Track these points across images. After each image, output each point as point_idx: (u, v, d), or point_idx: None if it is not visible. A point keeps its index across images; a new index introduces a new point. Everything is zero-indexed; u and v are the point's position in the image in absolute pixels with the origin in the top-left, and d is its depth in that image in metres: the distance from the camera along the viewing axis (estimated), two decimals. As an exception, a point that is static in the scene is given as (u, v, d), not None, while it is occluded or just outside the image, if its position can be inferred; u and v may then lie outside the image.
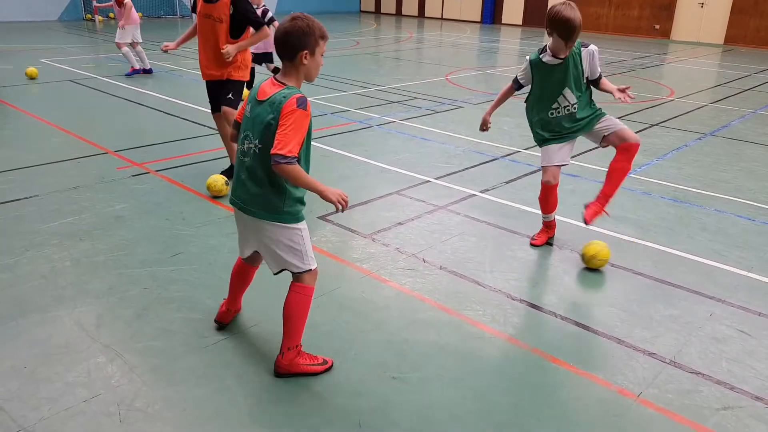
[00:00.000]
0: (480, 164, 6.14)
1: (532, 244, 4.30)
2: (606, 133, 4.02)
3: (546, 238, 4.36)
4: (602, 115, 4.05)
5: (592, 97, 4.06)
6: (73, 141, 6.58)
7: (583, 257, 3.95)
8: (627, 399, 2.72)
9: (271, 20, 7.93)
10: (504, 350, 3.07)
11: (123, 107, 8.36)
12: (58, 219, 4.47)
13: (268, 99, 2.48)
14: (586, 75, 3.94)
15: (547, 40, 3.91)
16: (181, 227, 4.40)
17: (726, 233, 4.56)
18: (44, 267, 3.75)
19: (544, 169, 4.18)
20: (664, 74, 13.28)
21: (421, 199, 5.11)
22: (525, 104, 4.23)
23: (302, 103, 2.43)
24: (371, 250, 4.13)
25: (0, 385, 2.67)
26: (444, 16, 27.65)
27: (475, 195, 5.24)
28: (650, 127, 7.99)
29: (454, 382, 2.80)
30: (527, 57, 4.04)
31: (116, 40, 10.53)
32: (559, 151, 4.11)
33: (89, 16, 21.85)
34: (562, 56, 3.84)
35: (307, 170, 2.57)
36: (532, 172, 5.90)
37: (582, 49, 3.89)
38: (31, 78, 9.47)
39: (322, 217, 4.61)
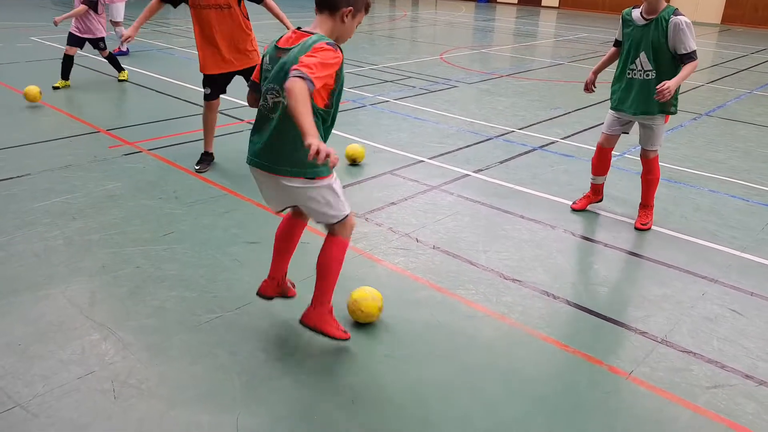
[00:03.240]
0: (474, 144, 6.12)
1: (572, 209, 4.46)
2: (640, 142, 4.17)
3: (587, 203, 4.51)
4: (661, 113, 3.99)
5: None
6: (64, 119, 6.52)
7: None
8: (618, 377, 2.74)
9: (86, 2, 7.57)
10: (496, 329, 3.09)
11: (115, 86, 8.27)
12: (51, 198, 4.44)
13: (294, 46, 2.33)
14: (671, 51, 3.80)
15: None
16: (174, 206, 4.38)
17: (719, 213, 4.57)
18: (37, 245, 3.73)
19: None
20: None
21: (414, 179, 5.10)
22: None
23: (334, 45, 2.29)
24: (364, 230, 4.12)
25: (-7, 363, 2.67)
26: (440, -5, 27.32)
27: (469, 175, 5.23)
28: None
29: (446, 360, 2.82)
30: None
31: (110, 19, 10.30)
32: (609, 120, 4.24)
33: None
34: (649, 17, 3.82)
35: (329, 132, 2.51)
36: (526, 152, 5.89)
37: (671, 17, 3.75)
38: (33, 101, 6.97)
39: (316, 197, 4.59)
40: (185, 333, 2.94)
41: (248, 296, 3.25)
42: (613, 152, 4.41)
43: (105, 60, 8.43)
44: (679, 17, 3.74)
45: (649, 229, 4.26)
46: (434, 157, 5.66)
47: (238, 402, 2.51)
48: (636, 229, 4.25)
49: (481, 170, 5.35)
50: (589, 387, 2.68)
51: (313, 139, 1.99)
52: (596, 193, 4.55)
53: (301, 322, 2.79)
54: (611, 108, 4.22)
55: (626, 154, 5.87)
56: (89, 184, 4.72)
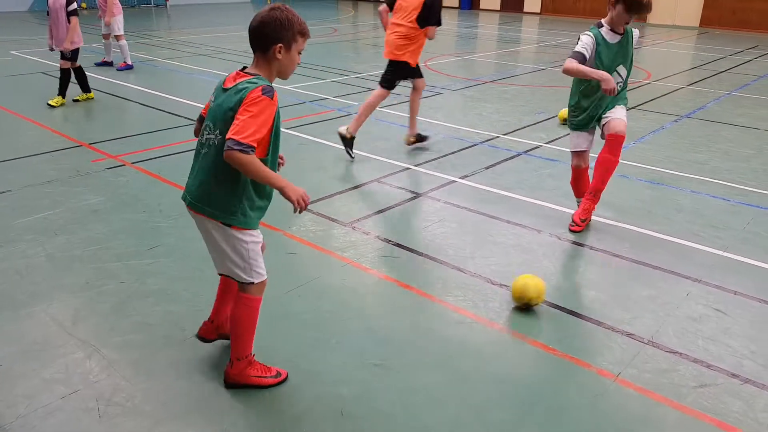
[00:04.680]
0: (459, 150, 6.14)
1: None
2: (605, 120, 4.14)
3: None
4: (625, 102, 4.17)
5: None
6: (46, 134, 6.46)
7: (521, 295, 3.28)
8: (606, 379, 2.75)
9: (74, 12, 7.38)
10: (484, 334, 3.09)
11: (97, 99, 8.20)
12: (32, 214, 4.39)
13: (232, 87, 2.29)
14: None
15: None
16: (159, 219, 4.35)
17: (702, 214, 4.62)
18: (19, 263, 3.68)
19: (571, 153, 4.36)
20: (640, 57, 13.36)
21: (401, 186, 5.10)
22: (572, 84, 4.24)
23: (269, 91, 2.24)
24: (352, 239, 4.12)
25: (-25, 384, 2.63)
26: (422, 2, 27.46)
27: (455, 181, 5.24)
28: (627, 110, 8.03)
29: (436, 367, 2.82)
30: (588, 33, 3.96)
31: (114, 34, 10.10)
32: (576, 140, 4.26)
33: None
34: (621, 31, 3.93)
35: (275, 165, 2.41)
36: (511, 158, 5.92)
37: (633, 29, 4.01)
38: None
39: (302, 207, 4.58)
40: (171, 348, 2.91)
41: (234, 309, 3.22)
42: (593, 155, 4.42)
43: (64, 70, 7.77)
44: (635, 29, 4.06)
45: (581, 229, 4.26)
46: (420, 164, 5.68)
47: (225, 416, 2.49)
48: (571, 224, 4.29)
49: (467, 176, 5.36)
50: (578, 390, 2.69)
51: (289, 193, 2.26)
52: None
53: (226, 384, 2.65)
54: (577, 130, 4.20)
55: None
56: (72, 199, 4.67)
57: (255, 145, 2.20)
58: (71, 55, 7.54)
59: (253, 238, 2.46)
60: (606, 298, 3.46)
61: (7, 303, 3.25)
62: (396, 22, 5.64)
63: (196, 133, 2.61)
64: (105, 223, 4.26)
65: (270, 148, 2.35)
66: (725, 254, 3.98)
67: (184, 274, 3.60)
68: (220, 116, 2.31)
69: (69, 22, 7.40)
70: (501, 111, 7.87)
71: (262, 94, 2.23)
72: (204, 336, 2.86)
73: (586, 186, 4.35)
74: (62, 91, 7.73)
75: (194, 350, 2.89)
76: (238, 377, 2.63)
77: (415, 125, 6.13)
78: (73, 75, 7.75)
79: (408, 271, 3.69)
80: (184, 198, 2.50)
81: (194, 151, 2.48)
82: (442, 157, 5.92)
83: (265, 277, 2.55)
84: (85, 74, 7.88)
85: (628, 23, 3.90)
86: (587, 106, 4.13)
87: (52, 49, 7.65)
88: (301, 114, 7.42)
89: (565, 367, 2.84)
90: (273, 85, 2.34)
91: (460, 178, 5.32)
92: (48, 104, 7.67)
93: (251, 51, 2.39)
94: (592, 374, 2.79)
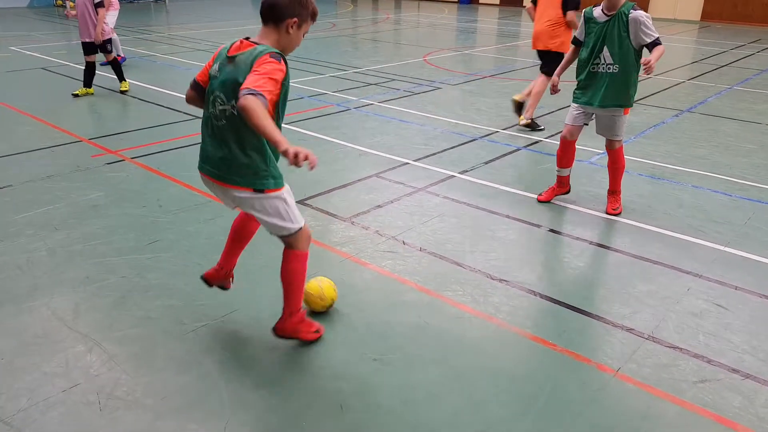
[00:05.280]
0: (459, 145, 6.14)
1: (538, 200, 4.59)
2: (602, 134, 4.34)
3: (552, 195, 4.63)
4: (622, 106, 4.18)
5: (635, 80, 4.15)
6: (45, 129, 6.45)
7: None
8: (606, 374, 2.76)
9: (100, 4, 7.47)
10: (483, 329, 3.09)
11: (96, 94, 8.19)
12: (33, 209, 4.39)
13: (239, 55, 2.37)
14: (633, 45, 4.01)
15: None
16: (159, 214, 4.34)
17: (702, 209, 4.61)
18: (20, 257, 3.69)
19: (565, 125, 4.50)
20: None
21: (400, 181, 5.10)
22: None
23: (278, 57, 2.33)
24: (351, 234, 4.12)
25: (-25, 379, 2.63)
26: (422, -3, 27.42)
27: (454, 176, 5.24)
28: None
29: (435, 362, 2.82)
30: (584, 11, 4.23)
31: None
32: (573, 112, 4.37)
33: (60, 2, 21.34)
34: (610, 13, 4.00)
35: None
36: (510, 152, 5.91)
37: (630, 12, 3.96)
38: None
39: (301, 201, 4.57)
40: (171, 342, 2.91)
41: (234, 303, 3.23)
42: (597, 151, 4.45)
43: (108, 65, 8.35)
44: (637, 12, 3.97)
45: (619, 213, 4.44)
46: (419, 159, 5.67)
47: (226, 410, 2.49)
48: (608, 214, 4.44)
49: (467, 171, 5.36)
50: (577, 385, 2.69)
51: (286, 146, 2.10)
52: (562, 185, 4.67)
53: (275, 333, 2.83)
54: (574, 101, 4.36)
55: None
56: (72, 195, 4.67)
57: (267, 97, 2.21)
58: (110, 47, 7.94)
59: (286, 189, 2.59)
60: (606, 293, 3.47)
61: (8, 297, 3.26)
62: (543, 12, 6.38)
63: (188, 98, 2.68)
64: (105, 218, 4.26)
65: (277, 111, 2.42)
66: (726, 249, 3.97)
67: (184, 268, 3.60)
68: (230, 88, 2.37)
69: (97, 14, 7.59)
70: (500, 106, 7.85)
71: (271, 57, 2.31)
72: (208, 278, 3.02)
73: (570, 160, 4.54)
74: (120, 77, 8.20)
75: (194, 345, 2.90)
76: (290, 331, 2.81)
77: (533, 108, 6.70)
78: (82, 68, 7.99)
79: (407, 266, 3.69)
80: (201, 168, 2.58)
81: (207, 120, 2.54)
82: (441, 151, 5.91)
83: (304, 222, 2.67)
84: (94, 71, 8.00)
85: (612, 5, 3.97)
86: (580, 80, 4.28)
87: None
88: (299, 109, 7.41)
89: (564, 362, 2.84)
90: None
91: (459, 173, 5.31)
92: (120, 91, 8.21)
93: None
94: (592, 369, 2.79)
